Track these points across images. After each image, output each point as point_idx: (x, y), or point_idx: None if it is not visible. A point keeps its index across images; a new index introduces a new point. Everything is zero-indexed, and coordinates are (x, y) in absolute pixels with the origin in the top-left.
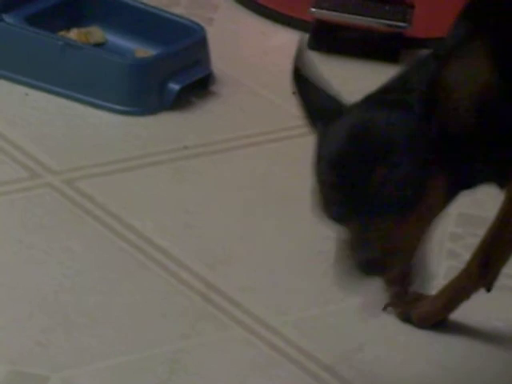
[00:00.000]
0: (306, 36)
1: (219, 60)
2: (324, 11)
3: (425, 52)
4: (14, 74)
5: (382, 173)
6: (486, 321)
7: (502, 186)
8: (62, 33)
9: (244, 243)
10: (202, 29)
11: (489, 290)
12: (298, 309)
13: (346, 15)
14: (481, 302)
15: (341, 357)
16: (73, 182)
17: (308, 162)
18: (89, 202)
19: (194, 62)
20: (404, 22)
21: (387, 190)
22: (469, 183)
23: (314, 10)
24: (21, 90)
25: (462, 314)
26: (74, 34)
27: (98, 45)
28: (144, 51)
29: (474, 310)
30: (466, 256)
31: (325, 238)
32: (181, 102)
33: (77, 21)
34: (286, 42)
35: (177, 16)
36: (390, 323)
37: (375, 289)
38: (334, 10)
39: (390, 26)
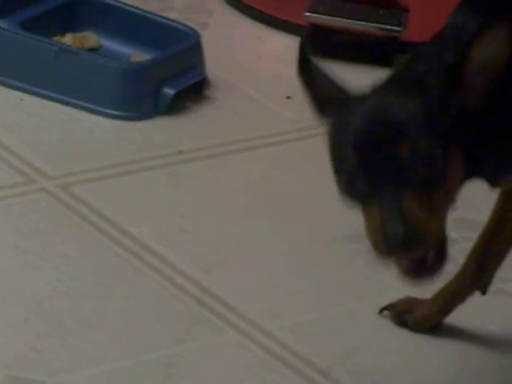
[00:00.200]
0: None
1: (214, 64)
2: (318, 15)
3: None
4: (9, 79)
5: (405, 149)
6: (481, 325)
7: (494, 183)
8: (57, 38)
9: (239, 247)
10: (196, 33)
11: (484, 292)
12: (293, 313)
13: (341, 19)
14: (475, 306)
15: (336, 361)
16: (68, 187)
17: (303, 165)
18: (84, 207)
19: (189, 67)
20: (398, 26)
21: (412, 165)
22: (478, 169)
23: (308, 14)
24: (16, 95)
25: (457, 318)
26: (68, 39)
27: (93, 50)
28: (139, 56)
29: (469, 314)
30: (461, 260)
31: (320, 241)
32: (176, 106)
33: (72, 26)
34: (280, 46)
35: (171, 21)
36: (386, 327)
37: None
38: (329, 15)
39: (385, 30)
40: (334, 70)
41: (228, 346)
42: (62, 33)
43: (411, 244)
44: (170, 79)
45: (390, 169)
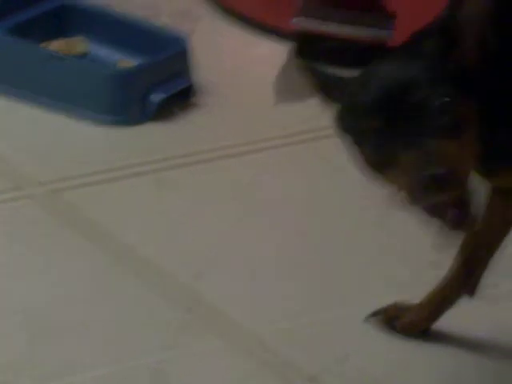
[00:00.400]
0: (289, 46)
1: (201, 71)
2: (307, 21)
3: None
4: None
5: (421, 96)
6: (470, 330)
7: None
8: (45, 43)
9: (227, 253)
10: (184, 39)
11: (472, 296)
12: (281, 319)
13: (329, 25)
14: (464, 311)
15: (325, 367)
16: (57, 192)
17: (292, 171)
18: (73, 213)
19: (177, 73)
20: (386, 31)
21: (431, 112)
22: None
23: (296, 20)
24: (4, 100)
25: (446, 323)
26: (56, 45)
27: (81, 55)
28: (126, 62)
29: (458, 319)
30: (448, 264)
31: (308, 247)
32: (163, 112)
33: (60, 31)
34: (268, 52)
35: (159, 27)
36: (375, 333)
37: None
38: (317, 20)
39: (373, 35)
40: None
41: (216, 353)
42: (51, 38)
43: (447, 182)
44: (157, 85)
45: (411, 120)
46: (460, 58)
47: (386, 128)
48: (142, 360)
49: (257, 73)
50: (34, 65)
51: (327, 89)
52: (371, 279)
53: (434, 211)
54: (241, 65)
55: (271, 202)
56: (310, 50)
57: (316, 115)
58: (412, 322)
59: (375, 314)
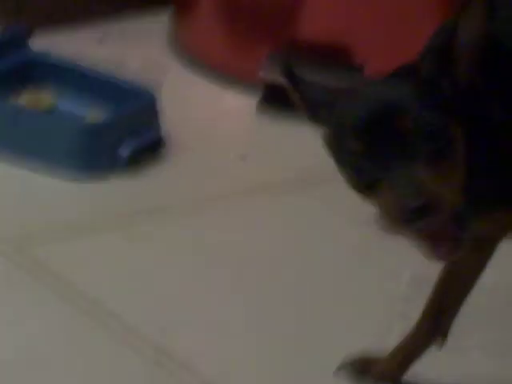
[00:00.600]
0: (256, 99)
1: (169, 124)
2: (274, 74)
3: None
4: None
5: (408, 121)
6: (439, 381)
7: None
8: (13, 98)
9: (195, 306)
10: (152, 93)
11: (440, 347)
12: (252, 372)
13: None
14: (433, 362)
15: None
16: (25, 247)
17: (258, 225)
18: (41, 269)
19: (145, 127)
20: (352, 83)
21: (417, 137)
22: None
23: (264, 73)
24: None
25: (415, 374)
26: (24, 100)
27: (49, 109)
28: (95, 116)
29: (427, 370)
30: (417, 316)
31: (277, 298)
32: (132, 165)
33: (28, 85)
34: (235, 105)
35: (127, 80)
36: None
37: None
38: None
39: (340, 86)
40: (290, 128)
41: None
42: (19, 92)
43: (431, 208)
44: (126, 139)
45: (397, 145)
46: (451, 83)
47: (371, 151)
48: None
49: (225, 125)
50: (2, 120)
51: (315, 108)
52: (342, 329)
53: (419, 238)
54: (209, 117)
55: (237, 254)
56: (277, 102)
57: (281, 168)
58: (381, 374)
59: (344, 365)
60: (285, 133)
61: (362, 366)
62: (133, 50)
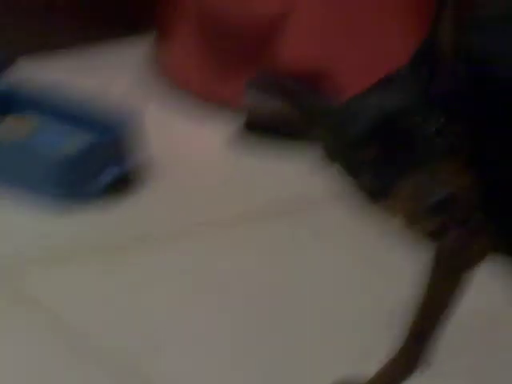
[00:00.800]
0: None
1: (151, 150)
2: (255, 101)
3: None
4: None
5: (418, 121)
6: None
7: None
8: None
9: (175, 335)
10: (131, 121)
11: (422, 371)
12: None
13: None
14: None
15: None
16: (4, 276)
17: (240, 251)
18: (19, 296)
19: (124, 155)
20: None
21: (429, 136)
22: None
23: (244, 100)
24: None
25: None
26: (4, 128)
27: (28, 139)
28: (74, 145)
29: None
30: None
31: (256, 328)
32: (112, 193)
33: (8, 114)
34: (216, 133)
35: (107, 108)
36: None
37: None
38: (266, 97)
39: None
40: (272, 155)
41: None
42: None
43: (453, 202)
44: (106, 166)
45: (407, 146)
46: (441, 83)
47: (381, 157)
48: None
49: (205, 152)
50: None
51: (311, 119)
52: (326, 355)
53: (435, 235)
54: (189, 145)
55: (220, 282)
56: (258, 129)
57: (259, 196)
58: None
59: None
60: (264, 161)
61: None
62: (113, 78)
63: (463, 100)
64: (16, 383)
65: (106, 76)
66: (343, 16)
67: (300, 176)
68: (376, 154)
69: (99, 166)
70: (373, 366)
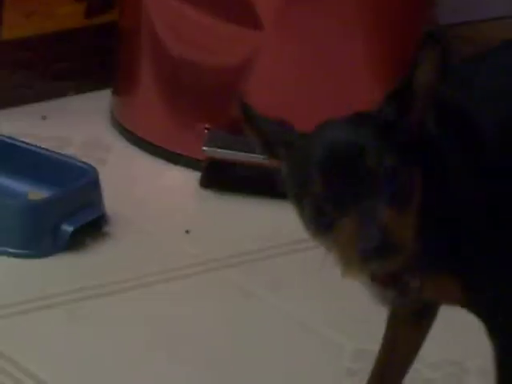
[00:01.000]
0: (199, 174)
1: (112, 201)
2: (216, 149)
3: None
4: None
5: (371, 160)
6: None
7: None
8: None
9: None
10: (94, 170)
11: None
12: None
13: (238, 153)
14: None
15: None
16: None
17: (203, 300)
18: None
19: (87, 204)
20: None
21: (380, 176)
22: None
23: (206, 148)
24: None
25: None
26: None
27: None
28: (37, 193)
29: None
30: None
31: (219, 377)
32: (75, 243)
33: None
34: (179, 181)
35: (69, 157)
36: None
37: None
38: (226, 148)
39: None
40: (233, 204)
41: None
42: None
43: (390, 251)
44: (68, 216)
45: (358, 186)
46: (409, 126)
47: (332, 191)
48: None
49: (168, 200)
50: None
51: (271, 148)
52: None
53: (372, 280)
54: (152, 194)
55: (183, 331)
56: (219, 178)
57: (224, 243)
58: None
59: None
60: (228, 207)
61: None
62: (75, 127)
63: (424, 146)
64: None
65: (69, 124)
66: (309, 65)
67: (260, 223)
68: (325, 189)
69: (62, 215)
70: None
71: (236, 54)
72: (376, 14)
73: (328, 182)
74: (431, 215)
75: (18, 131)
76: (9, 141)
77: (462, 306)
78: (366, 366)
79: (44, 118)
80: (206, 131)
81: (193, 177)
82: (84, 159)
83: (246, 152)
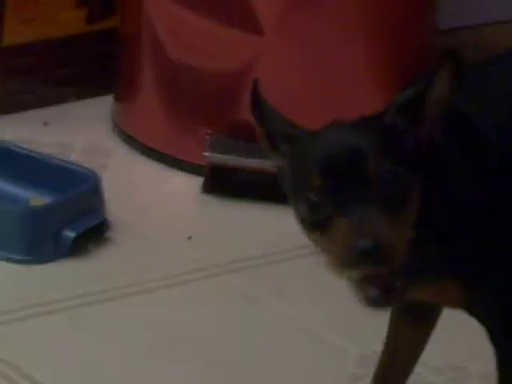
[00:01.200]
0: (201, 180)
1: (114, 206)
2: (218, 155)
3: None
4: None
5: (372, 164)
6: None
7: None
8: None
9: None
10: (96, 176)
11: None
12: None
13: (240, 158)
14: None
15: None
16: None
17: (205, 306)
18: None
19: (89, 209)
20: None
21: (379, 181)
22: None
23: (207, 154)
24: None
25: None
26: None
27: None
28: (38, 199)
29: None
30: None
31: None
32: (77, 249)
33: None
34: (180, 186)
35: (71, 163)
36: None
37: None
38: (228, 154)
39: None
40: (236, 209)
41: None
42: None
43: (380, 257)
44: (70, 222)
45: (357, 186)
46: (417, 139)
47: (330, 188)
48: None
49: (170, 206)
50: None
51: (275, 142)
52: None
53: (359, 284)
54: (154, 199)
55: (184, 337)
56: (221, 184)
57: (227, 249)
58: None
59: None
60: (230, 213)
61: None
62: (77, 132)
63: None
64: None
65: (71, 130)
66: (310, 71)
67: (262, 228)
68: (324, 185)
69: (64, 221)
70: None
71: (237, 60)
72: (377, 20)
73: (327, 178)
74: (431, 215)
75: (20, 137)
76: (10, 147)
77: (463, 308)
78: (371, 372)
79: (46, 124)
80: (207, 137)
81: (195, 182)
82: (86, 165)
83: (247, 157)
